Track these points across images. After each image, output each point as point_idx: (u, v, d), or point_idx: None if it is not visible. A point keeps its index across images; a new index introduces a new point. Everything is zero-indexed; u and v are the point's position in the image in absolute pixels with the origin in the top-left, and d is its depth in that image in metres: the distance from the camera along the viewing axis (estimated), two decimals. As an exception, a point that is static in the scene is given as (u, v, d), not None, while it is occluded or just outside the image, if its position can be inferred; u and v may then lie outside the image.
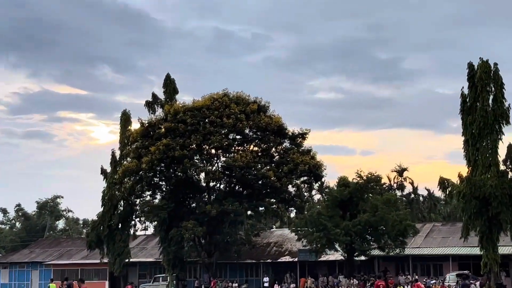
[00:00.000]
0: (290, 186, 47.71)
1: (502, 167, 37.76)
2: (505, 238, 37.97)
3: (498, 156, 36.54)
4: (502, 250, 38.89)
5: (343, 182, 45.00)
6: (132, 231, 51.77)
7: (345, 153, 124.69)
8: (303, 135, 47.95)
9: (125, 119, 51.31)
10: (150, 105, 50.14)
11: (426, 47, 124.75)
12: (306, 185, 50.00)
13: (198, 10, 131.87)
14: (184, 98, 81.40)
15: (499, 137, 35.49)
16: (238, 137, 47.57)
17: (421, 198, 70.72)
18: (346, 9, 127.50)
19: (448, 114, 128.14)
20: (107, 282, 55.47)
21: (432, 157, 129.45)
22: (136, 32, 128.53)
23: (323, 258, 46.36)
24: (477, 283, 37.22)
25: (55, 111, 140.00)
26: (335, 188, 46.87)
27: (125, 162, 48.13)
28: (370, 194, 45.08)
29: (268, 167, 46.02)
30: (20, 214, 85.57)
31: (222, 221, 45.15)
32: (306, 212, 47.01)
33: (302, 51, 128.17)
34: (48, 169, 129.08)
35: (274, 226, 66.13)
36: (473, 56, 48.59)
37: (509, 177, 36.11)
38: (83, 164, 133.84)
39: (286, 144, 48.39)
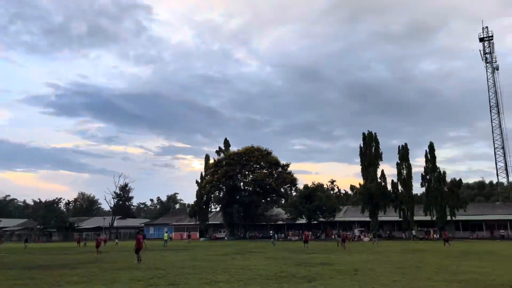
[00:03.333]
0: (282, 189, 71.99)
1: (379, 180, 65.78)
2: (380, 213, 65.24)
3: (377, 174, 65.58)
4: (380, 218, 64.49)
5: (306, 186, 71.30)
6: (210, 209, 74.01)
7: (307, 173, 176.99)
8: (287, 165, 75.22)
9: (207, 158, 75.61)
10: (218, 152, 74.88)
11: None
12: (289, 188, 73.59)
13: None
14: (232, 148, 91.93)
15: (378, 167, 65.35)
16: (257, 165, 72.76)
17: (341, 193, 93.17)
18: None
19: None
20: (197, 233, 77.44)
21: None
22: (210, 118, 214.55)
23: (298, 222, 70.25)
24: (368, 234, 60.79)
25: (175, 154, 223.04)
26: (303, 190, 70.49)
27: (207, 177, 69.36)
28: (318, 192, 69.49)
29: (271, 180, 71.29)
30: (158, 201, 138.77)
31: (251, 205, 67.59)
32: (289, 201, 70.74)
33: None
34: (173, 180, 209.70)
35: (274, 207, 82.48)
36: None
37: (382, 185, 62.63)
38: (188, 179, 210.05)
39: (280, 170, 73.76)
